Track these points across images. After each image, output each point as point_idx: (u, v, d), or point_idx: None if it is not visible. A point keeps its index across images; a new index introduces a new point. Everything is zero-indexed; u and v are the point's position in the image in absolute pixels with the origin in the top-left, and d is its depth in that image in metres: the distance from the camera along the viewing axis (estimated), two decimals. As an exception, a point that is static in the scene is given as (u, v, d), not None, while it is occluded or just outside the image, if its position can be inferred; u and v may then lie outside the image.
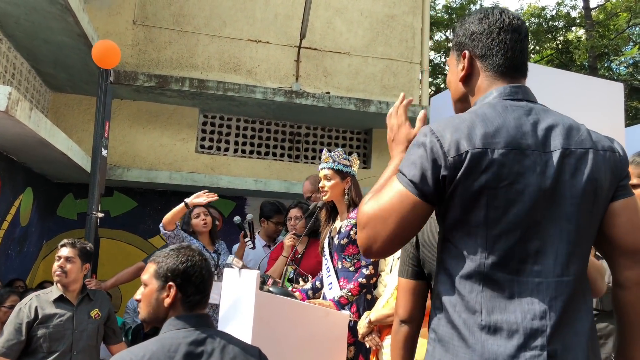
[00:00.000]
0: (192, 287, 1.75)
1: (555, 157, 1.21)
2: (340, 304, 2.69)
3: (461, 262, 1.23)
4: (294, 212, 3.82)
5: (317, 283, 3.10)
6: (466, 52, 1.36)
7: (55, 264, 3.15)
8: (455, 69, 1.40)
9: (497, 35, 1.32)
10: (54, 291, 3.15)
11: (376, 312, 2.51)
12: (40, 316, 3.01)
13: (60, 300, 3.12)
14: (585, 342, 1.19)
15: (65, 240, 3.25)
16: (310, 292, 3.07)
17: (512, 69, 1.32)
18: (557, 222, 1.20)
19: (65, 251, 3.16)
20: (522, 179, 1.18)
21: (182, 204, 3.63)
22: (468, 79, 1.37)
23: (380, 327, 2.52)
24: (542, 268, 1.19)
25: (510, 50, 1.31)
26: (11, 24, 4.76)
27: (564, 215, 1.20)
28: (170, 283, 1.72)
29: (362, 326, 2.55)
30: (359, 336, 2.56)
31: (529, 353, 1.15)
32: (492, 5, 1.34)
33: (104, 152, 4.37)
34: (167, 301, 1.72)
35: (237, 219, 4.02)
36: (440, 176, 1.19)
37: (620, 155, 1.29)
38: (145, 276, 1.77)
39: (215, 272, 3.62)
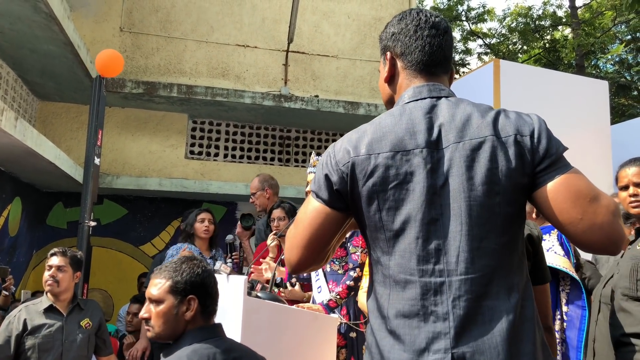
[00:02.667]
0: (210, 298, 1.76)
1: (448, 152, 1.18)
2: (329, 308, 2.70)
3: (375, 267, 1.26)
4: (277, 213, 3.82)
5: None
6: (388, 53, 1.38)
7: (46, 274, 3.11)
8: (382, 72, 1.41)
9: (414, 33, 1.33)
10: (44, 301, 3.12)
11: None
12: (29, 327, 2.97)
13: (50, 310, 3.08)
14: (503, 343, 1.10)
15: (55, 249, 3.21)
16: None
17: (431, 65, 1.32)
18: (456, 218, 1.16)
19: (56, 260, 3.13)
20: (411, 177, 1.18)
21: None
22: (392, 80, 1.38)
23: None
24: (444, 267, 1.15)
25: (427, 45, 1.31)
26: (-4, 33, 4.74)
27: (462, 210, 1.16)
28: (192, 296, 1.70)
29: None
30: None
31: (431, 357, 1.11)
32: (417, 7, 1.35)
33: (97, 161, 4.35)
34: (189, 314, 1.69)
35: (229, 237, 4.03)
36: (334, 186, 1.24)
37: (533, 137, 1.18)
38: (158, 293, 1.70)
39: None
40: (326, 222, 1.25)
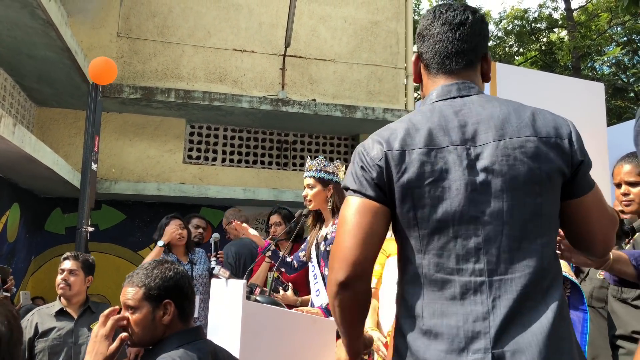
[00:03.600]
0: (187, 300, 1.73)
1: (487, 150, 1.17)
2: (327, 311, 2.70)
3: (405, 266, 1.23)
4: (274, 219, 3.85)
5: (295, 262, 3.19)
6: (415, 54, 1.40)
7: (59, 277, 3.13)
8: None
9: (427, 32, 1.34)
10: (56, 305, 3.14)
11: None
12: (40, 330, 3.00)
13: (61, 314, 3.10)
14: (544, 342, 1.09)
15: (67, 253, 3.23)
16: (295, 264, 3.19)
17: (447, 59, 1.30)
18: (496, 217, 1.15)
19: (68, 264, 3.14)
20: (447, 175, 1.16)
21: (160, 246, 3.70)
22: (420, 80, 1.39)
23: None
24: (484, 266, 1.14)
25: (438, 43, 1.31)
26: (-7, 40, 4.74)
27: (503, 209, 1.15)
28: (167, 300, 1.68)
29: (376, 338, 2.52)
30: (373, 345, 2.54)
31: (470, 357, 1.09)
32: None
33: (94, 167, 4.36)
34: (167, 319, 1.67)
35: (215, 235, 3.99)
36: (375, 181, 1.20)
37: (571, 141, 1.20)
38: (131, 302, 1.67)
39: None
40: (378, 217, 1.20)
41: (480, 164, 1.16)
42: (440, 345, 1.12)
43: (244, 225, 3.31)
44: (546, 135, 1.18)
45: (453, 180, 1.16)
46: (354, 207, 1.21)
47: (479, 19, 1.33)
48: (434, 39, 1.32)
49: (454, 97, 1.27)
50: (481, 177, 1.16)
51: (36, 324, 3.01)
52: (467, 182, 1.15)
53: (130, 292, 1.69)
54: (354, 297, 1.19)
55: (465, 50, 1.30)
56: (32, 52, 4.98)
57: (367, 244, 1.18)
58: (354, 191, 1.23)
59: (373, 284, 2.75)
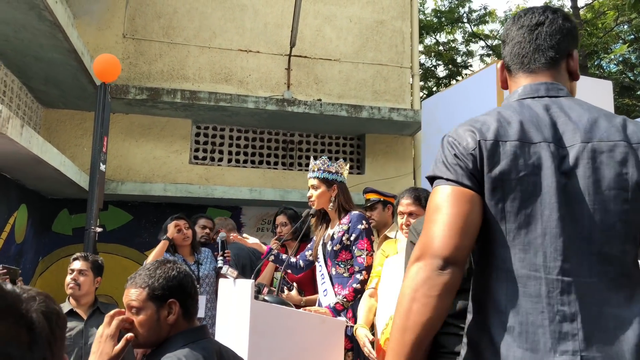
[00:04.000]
0: (190, 298, 1.73)
1: (573, 151, 1.15)
2: (336, 311, 2.70)
3: (488, 260, 1.19)
4: (280, 219, 3.86)
5: (301, 262, 3.19)
6: (501, 61, 1.41)
7: (68, 277, 3.14)
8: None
9: (507, 36, 1.37)
10: (65, 306, 3.15)
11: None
12: None
13: (70, 315, 3.11)
14: (631, 353, 1.06)
15: (77, 254, 3.25)
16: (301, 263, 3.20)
17: (525, 58, 1.32)
18: (580, 220, 1.13)
19: (78, 264, 3.16)
20: (539, 171, 1.14)
21: (163, 241, 3.69)
22: (506, 86, 1.41)
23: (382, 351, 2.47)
24: (572, 267, 1.11)
25: (517, 44, 1.33)
26: (1, 42, 4.76)
27: (587, 213, 1.13)
28: (172, 300, 1.68)
29: (363, 335, 2.51)
30: (362, 343, 2.53)
31: (558, 358, 1.06)
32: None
33: (102, 167, 4.37)
34: (172, 318, 1.67)
35: (222, 234, 3.99)
36: (469, 170, 1.18)
37: None
38: (135, 303, 1.67)
39: (198, 284, 3.62)
40: (475, 206, 1.16)
41: (567, 165, 1.15)
42: (525, 344, 1.09)
43: (244, 235, 3.32)
44: (636, 142, 1.16)
45: (545, 177, 1.14)
46: (449, 196, 1.18)
47: (559, 17, 1.32)
48: (513, 41, 1.34)
49: (542, 97, 1.26)
50: (566, 179, 1.14)
51: None
52: (556, 181, 1.13)
53: (133, 294, 1.69)
54: (449, 284, 1.12)
55: (544, 48, 1.31)
56: (39, 54, 5.00)
57: (464, 232, 1.14)
58: (448, 180, 1.19)
59: (373, 284, 2.75)
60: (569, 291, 1.10)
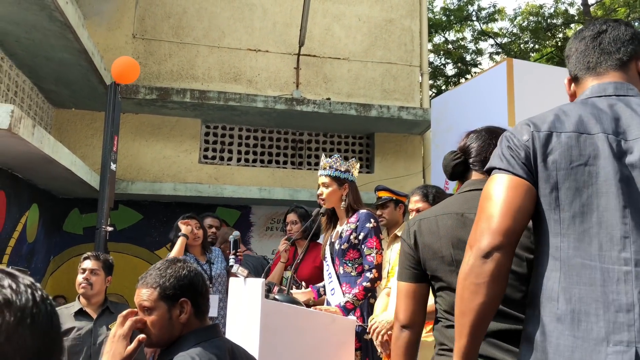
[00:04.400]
0: (201, 297, 1.73)
1: (637, 144, 1.15)
2: (346, 310, 2.69)
3: (542, 248, 1.20)
4: (290, 217, 3.84)
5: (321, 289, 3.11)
6: (568, 77, 1.42)
7: (80, 277, 3.15)
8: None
9: (570, 50, 1.40)
10: (75, 305, 3.17)
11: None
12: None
13: (80, 314, 3.12)
14: None
15: (88, 253, 3.26)
16: (321, 290, 3.07)
17: (590, 62, 1.34)
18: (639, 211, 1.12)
19: (89, 263, 3.17)
20: (595, 161, 1.15)
21: (182, 238, 3.70)
22: (573, 98, 1.42)
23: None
24: (631, 256, 1.09)
25: (581, 54, 1.35)
26: (12, 42, 4.80)
27: None
28: (184, 299, 1.67)
29: (381, 323, 2.49)
30: (375, 334, 2.51)
31: (611, 349, 1.05)
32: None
33: (113, 166, 4.39)
34: (184, 317, 1.67)
35: (236, 233, 3.99)
36: (523, 161, 1.21)
37: None
38: (147, 303, 1.67)
39: (210, 284, 3.63)
40: (526, 193, 1.19)
41: (630, 158, 1.14)
42: (577, 332, 1.09)
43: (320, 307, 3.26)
44: None
45: (602, 167, 1.14)
46: (502, 183, 1.22)
47: (621, 25, 1.36)
48: (577, 52, 1.37)
49: (609, 95, 1.27)
50: (630, 170, 1.14)
51: None
52: (615, 171, 1.13)
53: (145, 294, 1.68)
54: (495, 271, 1.16)
55: (609, 52, 1.33)
56: (50, 55, 5.04)
57: (514, 216, 1.18)
58: (501, 169, 1.24)
59: (391, 283, 2.75)
60: (626, 280, 1.08)
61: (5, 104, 3.91)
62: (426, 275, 1.59)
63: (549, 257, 1.17)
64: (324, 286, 3.09)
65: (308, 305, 2.97)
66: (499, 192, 1.21)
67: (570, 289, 1.12)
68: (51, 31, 4.55)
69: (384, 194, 3.66)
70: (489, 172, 1.29)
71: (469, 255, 1.20)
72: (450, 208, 1.61)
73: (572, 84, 1.40)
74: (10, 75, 5.26)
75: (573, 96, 1.41)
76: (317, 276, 3.47)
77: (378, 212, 3.61)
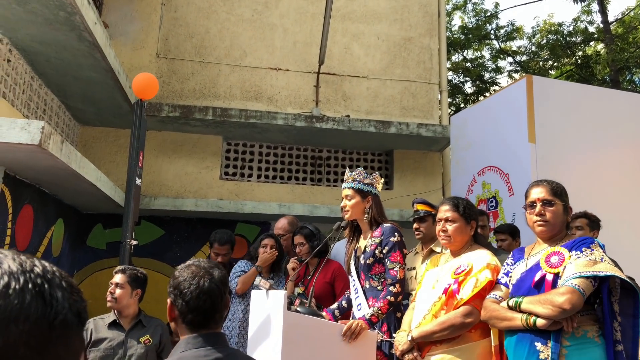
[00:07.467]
0: (184, 304, 1.62)
1: None
2: (371, 322, 2.69)
3: None
4: (297, 239, 3.90)
5: (344, 302, 3.11)
6: None
7: (109, 290, 3.26)
8: None
9: None
10: (110, 316, 3.27)
11: (419, 329, 2.50)
12: (93, 339, 3.11)
13: (113, 325, 3.21)
14: None
15: (118, 267, 3.36)
16: (336, 312, 3.08)
17: None
18: None
19: (116, 278, 3.27)
20: None
21: (254, 269, 3.92)
22: None
23: (421, 344, 2.50)
24: None
25: None
26: (42, 62, 4.97)
27: None
28: (170, 297, 1.67)
29: (402, 342, 2.53)
30: (398, 352, 2.54)
31: None
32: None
33: (138, 181, 4.50)
34: (168, 316, 1.67)
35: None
36: None
37: None
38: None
39: None
40: None
41: None
42: None
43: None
44: None
45: None
46: None
47: None
48: None
49: None
50: None
51: (91, 330, 3.13)
52: None
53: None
54: None
55: None
56: (78, 74, 5.19)
57: None
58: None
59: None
60: None
61: (36, 120, 4.03)
62: None
63: None
64: (338, 308, 3.10)
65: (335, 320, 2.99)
66: None
67: None
68: (80, 51, 4.70)
69: (423, 207, 3.62)
70: None
71: None
72: None
73: None
74: (40, 93, 5.43)
75: None
76: (327, 292, 3.50)
77: (415, 226, 3.60)
